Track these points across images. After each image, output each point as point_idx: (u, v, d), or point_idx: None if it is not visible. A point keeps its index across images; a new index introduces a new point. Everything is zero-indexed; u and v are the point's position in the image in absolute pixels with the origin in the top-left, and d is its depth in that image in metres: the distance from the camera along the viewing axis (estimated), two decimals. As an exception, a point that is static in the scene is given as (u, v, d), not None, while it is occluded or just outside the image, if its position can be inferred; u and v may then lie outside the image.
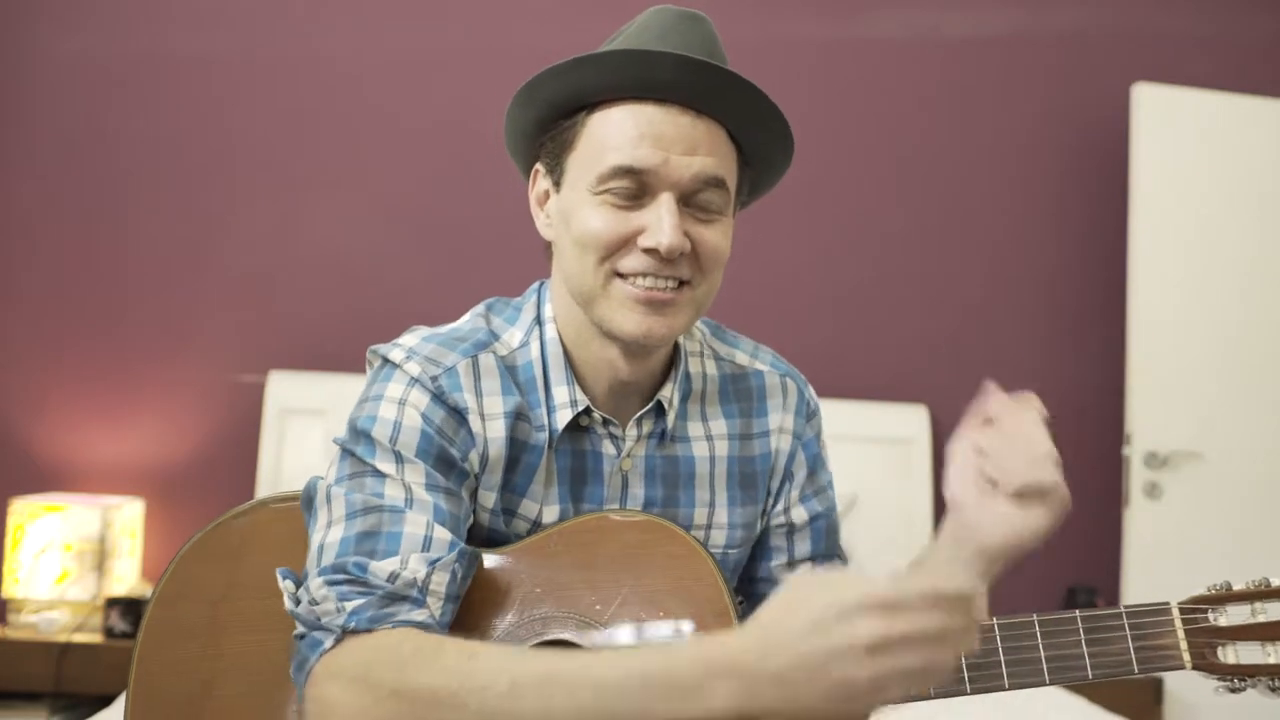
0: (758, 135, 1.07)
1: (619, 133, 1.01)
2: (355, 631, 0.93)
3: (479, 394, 1.07)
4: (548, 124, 1.08)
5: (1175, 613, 0.97)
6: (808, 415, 1.22)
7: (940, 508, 3.23)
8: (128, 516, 2.88)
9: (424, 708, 0.86)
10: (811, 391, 1.24)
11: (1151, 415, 3.11)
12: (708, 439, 1.16)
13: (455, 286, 2.98)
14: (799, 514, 1.20)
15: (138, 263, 3.11)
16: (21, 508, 2.75)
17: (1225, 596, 0.97)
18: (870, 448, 3.06)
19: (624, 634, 0.90)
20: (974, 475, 1.00)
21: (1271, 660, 0.94)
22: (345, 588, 0.95)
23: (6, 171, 3.10)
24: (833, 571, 0.94)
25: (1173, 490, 3.11)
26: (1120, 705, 2.54)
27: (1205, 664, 0.95)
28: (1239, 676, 0.94)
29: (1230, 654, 0.95)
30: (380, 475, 1.00)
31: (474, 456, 1.06)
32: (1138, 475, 3.10)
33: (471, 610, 1.02)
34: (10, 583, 2.74)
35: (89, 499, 2.85)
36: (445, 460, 1.03)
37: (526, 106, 1.07)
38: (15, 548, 2.73)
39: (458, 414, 1.05)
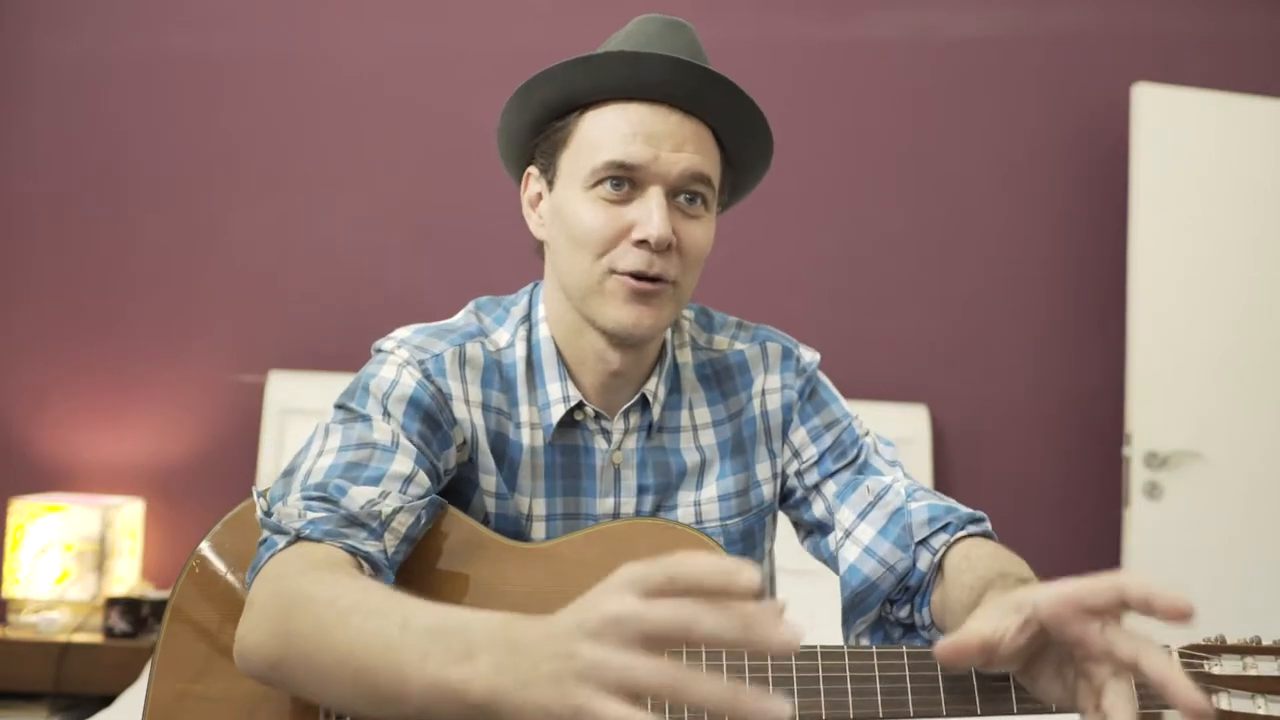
0: (739, 135, 1.11)
1: (611, 130, 1.06)
2: (308, 539, 0.94)
3: (463, 381, 1.11)
4: (542, 125, 1.12)
5: (1175, 658, 0.97)
6: (797, 369, 1.22)
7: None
8: (128, 516, 2.88)
9: (293, 608, 0.85)
10: (804, 350, 1.24)
11: (1151, 415, 3.11)
12: (694, 428, 1.19)
13: (455, 286, 2.98)
14: (809, 452, 1.20)
15: (138, 263, 3.11)
16: (21, 508, 2.75)
17: (1220, 648, 0.98)
18: (870, 448, 3.06)
19: None
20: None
21: (1261, 712, 0.96)
22: (316, 503, 0.96)
23: (6, 171, 3.11)
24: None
25: (1173, 490, 3.11)
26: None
27: None
28: None
29: (1224, 701, 0.97)
30: (370, 420, 1.05)
31: (456, 433, 1.10)
32: (1138, 475, 3.10)
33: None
34: (10, 583, 2.74)
35: (89, 499, 2.86)
36: (432, 420, 1.07)
37: (522, 110, 1.11)
38: (15, 548, 2.73)
39: (443, 395, 1.10)
